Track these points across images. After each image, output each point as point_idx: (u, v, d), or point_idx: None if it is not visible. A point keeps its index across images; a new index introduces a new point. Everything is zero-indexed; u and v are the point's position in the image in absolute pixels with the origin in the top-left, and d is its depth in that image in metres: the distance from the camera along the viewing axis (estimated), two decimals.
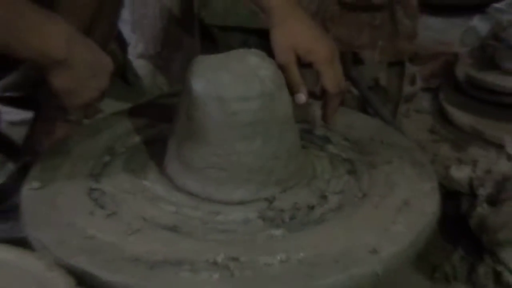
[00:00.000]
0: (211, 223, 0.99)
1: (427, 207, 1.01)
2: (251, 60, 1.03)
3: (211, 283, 0.86)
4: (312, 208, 1.02)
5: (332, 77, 1.08)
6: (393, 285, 1.05)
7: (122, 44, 1.80)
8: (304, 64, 1.08)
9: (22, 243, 0.93)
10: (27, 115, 1.42)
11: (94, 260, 0.89)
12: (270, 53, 1.07)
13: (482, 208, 1.13)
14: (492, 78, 1.58)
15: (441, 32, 1.88)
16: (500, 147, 1.23)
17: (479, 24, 1.64)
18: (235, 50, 1.05)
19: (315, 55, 1.07)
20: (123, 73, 1.79)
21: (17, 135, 1.42)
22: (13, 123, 1.57)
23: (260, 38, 1.34)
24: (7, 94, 1.61)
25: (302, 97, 1.07)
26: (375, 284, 0.95)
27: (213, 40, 1.66)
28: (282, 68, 1.05)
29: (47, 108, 1.30)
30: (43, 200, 1.02)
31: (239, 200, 1.02)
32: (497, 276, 1.10)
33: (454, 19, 1.95)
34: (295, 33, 1.08)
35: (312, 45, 1.07)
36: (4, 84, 1.53)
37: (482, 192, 1.15)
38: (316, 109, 1.16)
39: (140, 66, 1.82)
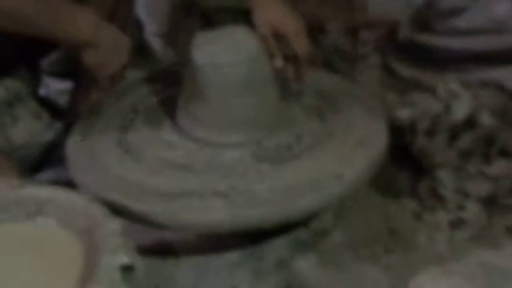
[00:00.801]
0: (214, 162, 0.98)
1: (378, 141, 1.00)
2: (239, 34, 1.00)
3: (216, 207, 0.86)
4: (290, 146, 1.00)
5: (301, 45, 1.06)
6: (355, 202, 1.05)
7: (139, 25, 1.77)
8: (279, 36, 1.06)
9: (69, 184, 0.92)
10: (68, 84, 1.39)
11: (125, 194, 0.89)
12: (252, 28, 1.04)
13: (421, 139, 1.12)
14: (425, 38, 1.55)
15: (386, 5, 1.84)
16: (433, 92, 1.21)
17: None
18: (226, 27, 1.03)
19: (287, 28, 1.05)
20: (140, 49, 1.76)
21: (62, 100, 1.40)
22: (58, 91, 1.54)
23: (245, 17, 1.31)
24: (52, 68, 1.58)
25: (278, 63, 1.06)
26: (342, 202, 0.95)
27: (208, 20, 1.63)
28: (262, 39, 1.03)
29: (83, 79, 1.28)
30: (83, 150, 1.01)
31: (235, 142, 1.01)
32: (434, 190, 1.10)
33: None
34: (270, 13, 1.06)
35: (284, 21, 1.05)
36: (49, 61, 1.50)
37: (420, 126, 1.14)
38: (291, 70, 1.14)
39: (154, 42, 1.79)
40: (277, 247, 0.92)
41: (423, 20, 1.58)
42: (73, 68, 1.33)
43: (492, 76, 1.31)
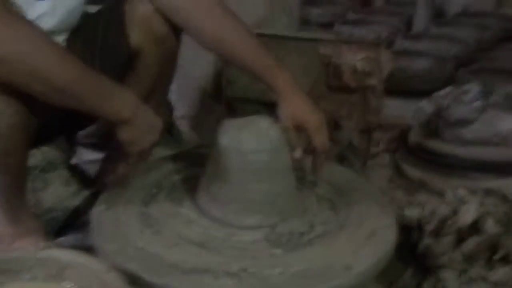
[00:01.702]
0: (228, 242, 0.96)
1: (388, 236, 0.98)
2: (263, 124, 1.02)
3: (227, 287, 0.84)
4: (303, 234, 0.99)
5: (320, 140, 1.07)
6: None
7: (170, 108, 1.81)
8: (300, 129, 1.07)
9: (89, 250, 0.91)
10: (99, 156, 1.41)
11: (142, 266, 0.87)
12: (275, 120, 1.06)
13: (427, 240, 1.11)
14: (434, 144, 1.57)
15: (399, 110, 1.87)
16: (440, 194, 1.21)
17: (426, 105, 1.64)
18: (251, 116, 1.05)
19: (308, 123, 1.07)
20: (170, 129, 1.79)
21: (92, 170, 1.41)
22: (89, 161, 1.56)
23: (268, 108, 1.33)
24: (86, 140, 1.60)
25: (297, 154, 1.06)
26: None
27: (234, 109, 1.67)
28: (284, 131, 1.04)
29: (114, 152, 1.29)
30: (107, 219, 1.00)
31: (250, 225, 1.00)
32: None
33: (409, 101, 1.94)
34: (295, 107, 1.08)
35: (307, 116, 1.07)
36: (85, 133, 1.53)
37: (428, 227, 1.12)
38: (308, 161, 1.14)
39: (182, 124, 1.82)
40: None
41: (433, 128, 1.60)
42: (105, 142, 1.35)
43: (495, 185, 1.31)
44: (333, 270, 0.88)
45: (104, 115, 0.97)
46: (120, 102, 0.96)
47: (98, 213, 1.02)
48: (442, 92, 1.60)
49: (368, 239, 0.96)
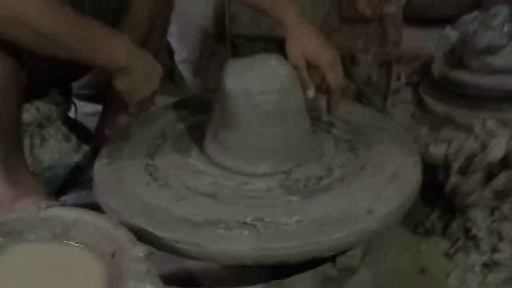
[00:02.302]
0: (241, 191, 0.97)
1: (411, 177, 0.98)
2: (271, 62, 1.01)
3: (242, 238, 0.85)
4: (320, 178, 0.99)
5: (334, 77, 1.06)
6: (384, 239, 1.04)
7: (170, 52, 1.79)
8: (312, 66, 1.06)
9: (94, 207, 0.92)
10: (98, 108, 1.41)
11: (150, 221, 0.88)
12: (285, 57, 1.05)
13: (455, 178, 1.11)
14: (460, 75, 1.55)
15: (420, 40, 1.84)
16: (468, 129, 1.20)
17: (450, 33, 1.60)
18: (258, 55, 1.03)
19: (320, 60, 1.05)
20: (171, 75, 1.79)
21: (90, 124, 1.42)
22: (87, 114, 1.57)
23: (277, 45, 1.32)
24: (83, 91, 1.60)
25: (310, 93, 1.05)
26: (371, 238, 0.93)
27: (240, 48, 1.65)
28: (295, 69, 1.03)
29: (113, 103, 1.30)
30: (110, 174, 1.01)
31: (263, 172, 1.00)
32: (467, 230, 1.08)
33: (431, 29, 1.90)
34: (305, 42, 1.06)
35: (318, 52, 1.05)
36: (80, 84, 1.53)
37: (455, 165, 1.12)
38: (323, 101, 1.14)
39: (184, 69, 1.81)
40: (302, 282, 0.90)
41: (458, 57, 1.57)
42: (103, 92, 1.35)
43: None
44: (354, 215, 0.89)
45: (98, 64, 0.97)
46: (114, 49, 0.95)
47: (101, 169, 1.03)
48: (468, 17, 1.56)
49: (390, 181, 0.96)
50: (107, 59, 0.95)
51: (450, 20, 1.66)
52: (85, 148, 1.28)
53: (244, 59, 1.03)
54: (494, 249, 1.03)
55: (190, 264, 1.03)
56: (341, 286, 0.93)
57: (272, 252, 0.84)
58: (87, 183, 1.09)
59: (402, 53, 1.66)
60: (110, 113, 1.31)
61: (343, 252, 0.89)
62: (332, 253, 0.88)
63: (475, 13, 1.56)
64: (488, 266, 1.02)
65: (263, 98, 0.97)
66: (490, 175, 1.07)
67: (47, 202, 0.86)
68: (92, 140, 1.31)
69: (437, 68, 1.62)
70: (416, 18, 1.99)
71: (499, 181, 1.05)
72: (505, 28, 1.49)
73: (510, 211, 1.06)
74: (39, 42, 0.89)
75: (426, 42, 1.79)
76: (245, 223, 0.88)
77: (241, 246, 0.84)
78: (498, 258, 1.02)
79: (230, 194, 0.96)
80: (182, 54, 1.80)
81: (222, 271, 1.03)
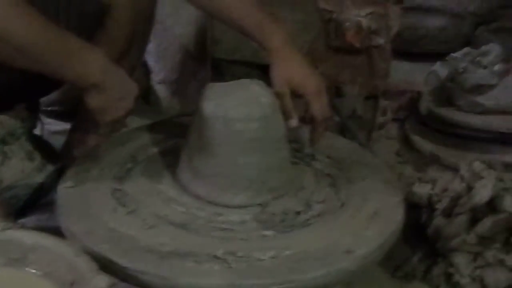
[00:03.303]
0: (213, 223, 0.97)
1: (393, 217, 0.99)
2: (253, 88, 1.02)
3: (212, 273, 0.84)
4: (298, 213, 1.00)
5: (319, 107, 1.07)
6: (362, 281, 1.04)
7: (147, 71, 1.80)
8: (297, 95, 1.07)
9: (55, 232, 0.91)
10: (66, 126, 1.40)
11: (115, 249, 0.87)
12: (268, 84, 1.06)
13: (438, 220, 1.12)
14: (448, 113, 1.58)
15: (408, 74, 1.88)
16: (454, 169, 1.22)
17: (440, 69, 1.64)
18: (240, 80, 1.04)
19: (306, 89, 1.06)
20: (146, 95, 1.79)
21: (57, 142, 1.41)
22: (54, 132, 1.55)
23: (260, 71, 1.33)
24: (51, 108, 1.60)
25: (293, 123, 1.06)
26: (349, 279, 0.93)
27: (221, 72, 1.66)
28: (278, 97, 1.04)
29: (83, 121, 1.29)
30: (75, 197, 1.00)
31: (238, 204, 1.00)
32: (449, 276, 1.09)
33: (420, 64, 1.95)
34: (290, 70, 1.07)
35: (304, 80, 1.06)
36: (48, 100, 1.52)
37: (439, 206, 1.13)
38: (305, 132, 1.15)
39: (161, 90, 1.81)
40: None
41: (446, 94, 1.60)
42: (72, 110, 1.35)
43: None
44: (332, 254, 0.89)
45: (70, 79, 0.96)
46: (88, 63, 0.94)
47: (65, 191, 1.02)
48: (458, 54, 1.60)
49: (371, 219, 0.97)
50: (80, 73, 0.94)
51: (440, 55, 1.70)
52: (50, 168, 1.26)
53: (225, 83, 1.04)
54: None
55: None
56: None
57: None
58: (50, 206, 1.08)
59: (390, 87, 1.69)
60: (79, 132, 1.30)
61: None
62: None
63: (466, 50, 1.60)
64: None
65: (243, 125, 0.98)
66: (475, 219, 1.09)
67: (4, 224, 0.85)
68: (58, 160, 1.30)
69: (424, 105, 1.65)
70: (405, 52, 2.03)
71: (484, 226, 1.06)
72: (496, 68, 1.52)
73: (494, 258, 1.07)
74: (6, 52, 0.89)
75: (415, 77, 1.83)
76: (216, 256, 0.87)
77: (210, 281, 0.84)
78: None
79: (202, 225, 0.96)
80: (159, 74, 1.81)
81: None
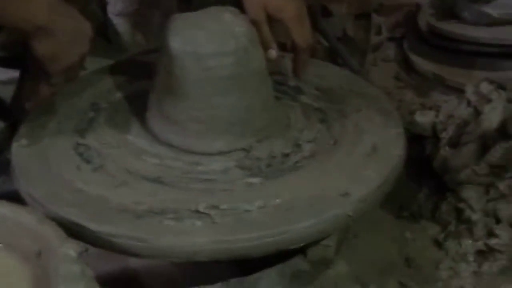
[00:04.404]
0: (192, 173, 0.98)
1: (393, 151, 1.01)
2: (226, 17, 1.01)
3: (194, 230, 0.86)
4: (287, 156, 1.01)
5: (301, 33, 1.07)
6: (363, 225, 1.06)
7: (102, 2, 1.76)
8: (274, 20, 1.07)
9: (12, 197, 0.92)
10: (14, 74, 1.39)
11: (83, 212, 0.89)
12: (242, 10, 1.05)
13: (445, 150, 1.13)
14: (451, 27, 1.57)
15: None
16: (460, 92, 1.23)
17: None
18: (210, 8, 1.04)
19: (284, 13, 1.06)
20: (103, 31, 1.76)
21: (5, 94, 1.39)
22: (1, 83, 1.54)
23: None
24: None
25: (273, 53, 1.07)
26: (347, 225, 0.96)
27: None
28: (253, 25, 1.03)
29: (33, 68, 1.27)
30: (32, 157, 1.01)
31: (217, 150, 1.02)
32: (459, 213, 1.11)
33: None
34: None
35: (281, 3, 1.06)
36: None
37: (445, 135, 1.15)
38: (288, 61, 1.15)
39: (120, 23, 1.78)
40: (269, 279, 0.92)
41: (448, 5, 1.60)
42: (19, 54, 1.33)
43: None
44: (327, 199, 0.91)
45: (10, 23, 0.95)
46: (30, 2, 0.92)
47: (20, 150, 1.03)
48: None
49: (369, 157, 0.99)
50: (22, 16, 0.92)
51: None
52: (0, 124, 1.26)
53: (193, 13, 1.03)
54: (490, 234, 1.07)
55: (133, 262, 1.04)
56: (314, 281, 0.96)
57: (231, 245, 0.86)
58: (4, 167, 1.08)
59: (383, 2, 1.68)
60: (29, 82, 1.29)
61: (314, 243, 0.92)
62: (301, 244, 0.90)
63: None
64: (483, 254, 1.06)
65: (216, 61, 0.98)
66: (485, 147, 1.10)
67: None
68: (8, 115, 1.29)
69: (424, 19, 1.64)
70: None
71: (495, 154, 1.08)
72: None
73: (508, 188, 1.09)
74: None
75: None
76: (197, 211, 0.89)
77: (193, 239, 0.86)
78: (494, 244, 1.05)
79: (179, 177, 0.97)
80: (117, 5, 1.78)
81: (172, 269, 1.04)
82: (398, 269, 1.05)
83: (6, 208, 0.85)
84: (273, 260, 0.93)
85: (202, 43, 0.98)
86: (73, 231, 0.85)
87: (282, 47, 1.10)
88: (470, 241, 1.07)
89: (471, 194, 1.10)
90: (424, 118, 1.19)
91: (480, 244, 1.06)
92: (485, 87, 1.13)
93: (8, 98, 1.37)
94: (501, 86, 1.14)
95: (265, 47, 1.05)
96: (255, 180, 0.96)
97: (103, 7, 1.76)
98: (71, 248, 0.77)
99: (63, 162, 0.99)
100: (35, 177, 0.97)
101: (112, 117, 1.11)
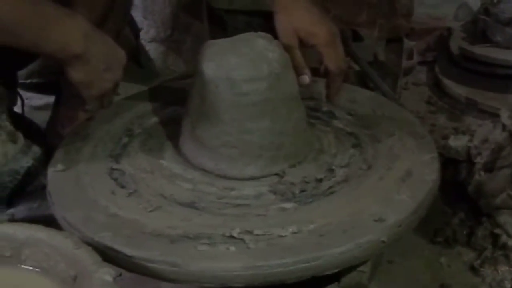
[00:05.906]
0: (225, 198, 0.98)
1: (428, 176, 1.00)
2: (259, 43, 1.02)
3: (228, 256, 0.86)
4: (320, 181, 1.01)
5: (333, 58, 1.07)
6: (397, 250, 1.05)
7: (135, 29, 1.79)
8: (307, 46, 1.07)
9: (49, 221, 0.93)
10: (49, 99, 1.41)
11: (118, 237, 0.89)
12: (273, 33, 1.06)
13: (480, 175, 1.13)
14: (483, 51, 1.57)
15: (435, 8, 1.86)
16: (494, 116, 1.22)
17: (471, 0, 1.62)
18: (243, 34, 1.04)
19: (316, 38, 1.06)
20: (136, 57, 1.79)
21: (41, 119, 1.42)
22: (36, 108, 1.56)
23: (263, 20, 1.32)
24: (30, 80, 1.60)
25: (306, 79, 1.07)
26: (382, 251, 0.95)
27: (219, 23, 1.65)
28: (286, 50, 1.04)
29: (68, 94, 1.29)
30: (67, 182, 1.02)
31: (250, 175, 1.02)
32: (495, 238, 1.10)
33: None
34: (297, 18, 1.07)
35: (314, 29, 1.07)
36: (28, 71, 1.52)
37: (479, 160, 1.14)
38: (321, 86, 1.15)
39: (152, 49, 1.81)
40: None
41: (480, 29, 1.59)
42: (55, 80, 1.35)
43: None
44: (361, 224, 0.90)
45: (49, 52, 0.96)
46: (67, 32, 0.94)
47: (55, 175, 1.03)
48: None
49: (403, 181, 0.98)
50: (59, 45, 0.94)
51: None
52: (36, 149, 1.28)
53: (226, 39, 1.03)
54: None
55: (167, 287, 1.04)
56: None
57: (265, 270, 0.85)
58: (40, 192, 1.09)
59: (414, 26, 1.68)
60: (64, 107, 1.31)
61: (349, 268, 0.91)
62: (336, 270, 0.89)
63: None
64: None
65: (249, 86, 0.98)
66: None
67: None
68: (44, 140, 1.31)
69: (456, 43, 1.64)
70: None
71: None
72: None
73: None
74: None
75: (443, 11, 1.81)
76: (231, 236, 0.89)
77: (227, 264, 0.85)
78: None
79: (213, 202, 0.97)
80: (149, 31, 1.81)
81: None
82: None
83: (43, 232, 0.85)
84: (307, 287, 0.92)
85: (236, 68, 0.98)
86: (107, 255, 0.85)
87: (314, 72, 1.10)
88: (507, 268, 1.05)
89: (507, 219, 1.09)
90: (458, 143, 1.19)
91: None
92: None
93: (43, 123, 1.39)
94: None
95: (298, 73, 1.05)
96: (288, 205, 0.96)
97: (136, 33, 1.79)
98: (107, 273, 0.78)
99: (98, 187, 1.00)
100: (70, 201, 0.97)
101: (146, 142, 1.12)
